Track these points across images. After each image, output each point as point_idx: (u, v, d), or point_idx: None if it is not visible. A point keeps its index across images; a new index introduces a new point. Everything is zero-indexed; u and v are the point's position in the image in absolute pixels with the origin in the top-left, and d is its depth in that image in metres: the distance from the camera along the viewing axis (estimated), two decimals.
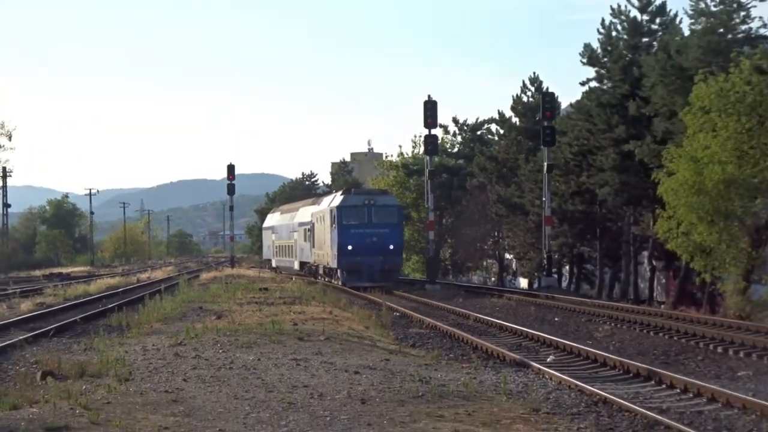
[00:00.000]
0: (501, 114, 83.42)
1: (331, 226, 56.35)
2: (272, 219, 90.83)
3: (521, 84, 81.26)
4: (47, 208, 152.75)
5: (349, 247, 53.78)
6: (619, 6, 59.35)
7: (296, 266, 73.52)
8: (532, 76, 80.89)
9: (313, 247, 65.31)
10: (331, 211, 56.81)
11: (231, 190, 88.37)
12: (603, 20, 60.21)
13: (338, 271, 55.86)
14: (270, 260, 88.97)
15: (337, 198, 58.69)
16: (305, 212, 70.93)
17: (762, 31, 47.70)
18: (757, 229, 41.29)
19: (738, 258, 40.55)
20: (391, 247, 55.08)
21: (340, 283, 55.03)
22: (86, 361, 19.85)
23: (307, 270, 69.44)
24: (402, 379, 18.03)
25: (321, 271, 63.98)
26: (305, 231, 68.58)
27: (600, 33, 60.84)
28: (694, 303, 40.65)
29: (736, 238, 40.22)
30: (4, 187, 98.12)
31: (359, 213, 54.99)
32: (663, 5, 58.72)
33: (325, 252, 59.83)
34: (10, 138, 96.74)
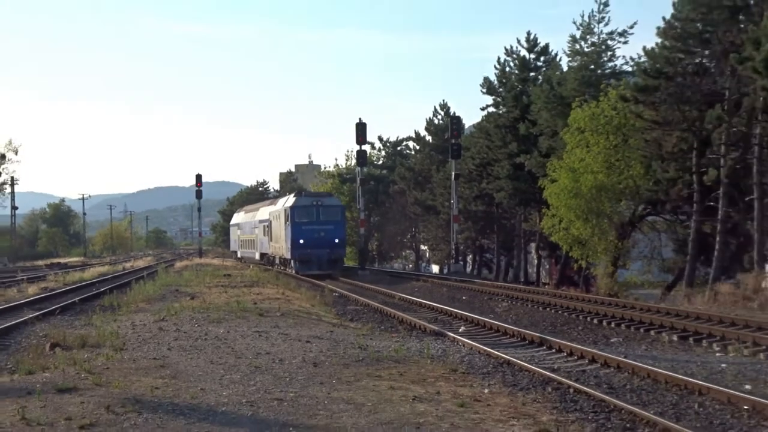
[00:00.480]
0: (417, 133, 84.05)
1: (286, 223, 55.02)
2: (237, 217, 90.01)
3: (433, 109, 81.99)
4: (47, 210, 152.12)
5: (301, 241, 52.61)
6: (511, 47, 60.25)
7: (257, 257, 72.04)
8: (442, 102, 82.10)
9: (271, 240, 63.77)
10: (286, 210, 55.53)
11: (199, 195, 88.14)
12: (498, 58, 61.02)
13: (292, 261, 54.57)
14: (236, 252, 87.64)
15: (290, 199, 57.34)
16: (264, 211, 69.03)
17: (625, 67, 48.28)
18: (622, 224, 41.89)
19: (607, 248, 41.03)
20: (336, 240, 54.07)
21: (293, 271, 53.70)
22: (86, 335, 19.72)
23: (266, 260, 67.89)
24: (345, 347, 18.06)
25: (277, 261, 62.41)
26: (264, 227, 66.92)
27: (496, 68, 61.37)
28: (572, 284, 41.01)
29: (605, 232, 40.70)
30: (12, 192, 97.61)
31: (309, 212, 53.53)
32: (546, 46, 59.49)
33: (281, 245, 58.36)
34: (16, 152, 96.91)
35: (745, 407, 13.05)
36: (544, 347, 20.23)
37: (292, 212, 53.76)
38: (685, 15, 37.07)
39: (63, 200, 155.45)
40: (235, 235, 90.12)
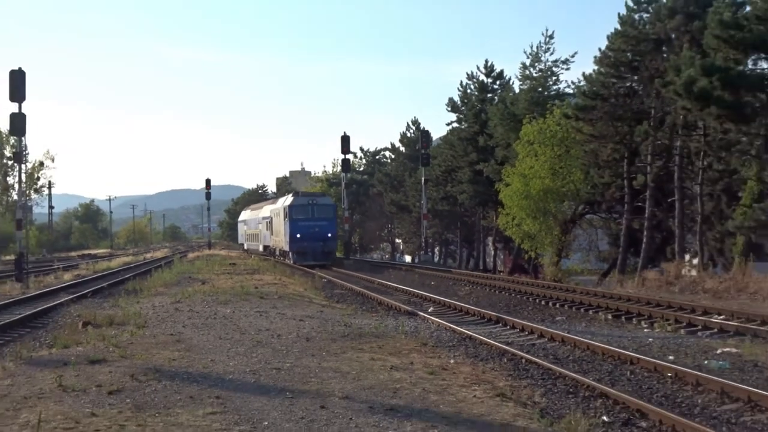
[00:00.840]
0: (392, 144, 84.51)
1: (285, 219, 53.72)
2: (244, 215, 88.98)
3: (406, 124, 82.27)
4: (79, 209, 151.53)
5: (298, 235, 51.38)
6: (472, 72, 60.92)
7: (261, 249, 69.85)
8: (413, 119, 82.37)
9: (272, 234, 62.37)
10: (285, 208, 54.13)
11: (208, 196, 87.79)
12: (461, 81, 61.77)
13: (290, 252, 53.13)
14: (243, 244, 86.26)
15: (289, 199, 55.91)
16: (266, 209, 68.08)
17: (567, 89, 48.63)
18: (564, 221, 42.05)
19: (552, 241, 41.23)
20: (329, 235, 52.51)
21: (291, 262, 52.04)
22: (114, 314, 19.60)
23: (268, 251, 65.57)
24: (332, 324, 18.01)
25: (277, 252, 60.36)
26: (267, 223, 65.40)
27: (459, 90, 62.12)
28: (523, 271, 41.13)
29: (551, 228, 40.88)
30: (50, 194, 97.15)
31: (305, 210, 52.16)
32: (501, 72, 60.10)
33: (281, 239, 56.84)
34: (53, 160, 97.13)
35: (669, 374, 13.15)
36: (500, 324, 20.26)
37: (290, 210, 52.56)
38: (618, 46, 37.29)
39: (92, 201, 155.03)
40: (242, 230, 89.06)
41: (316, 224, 51.66)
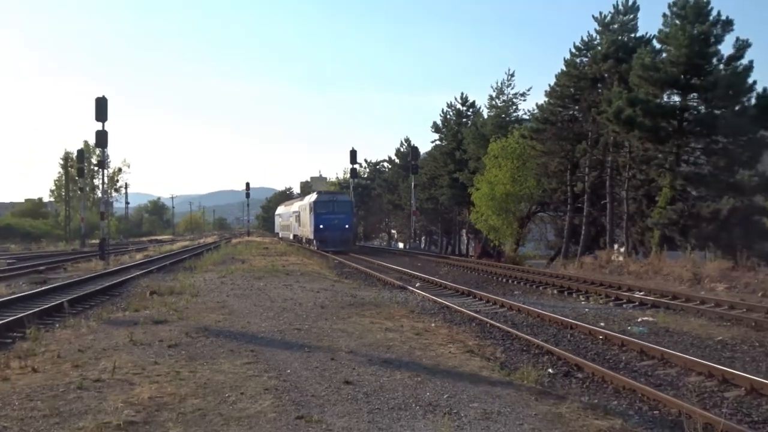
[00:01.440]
0: (389, 157, 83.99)
1: (310, 213, 51.15)
2: (279, 209, 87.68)
3: (400, 141, 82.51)
4: (149, 204, 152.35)
5: (321, 226, 48.71)
6: (450, 102, 60.99)
7: (291, 237, 66.88)
8: (405, 137, 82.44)
9: (299, 225, 59.82)
10: (310, 204, 51.47)
11: (247, 195, 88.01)
12: (442, 109, 61.66)
13: (314, 240, 50.44)
14: (278, 233, 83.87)
15: (313, 196, 53.28)
16: (296, 205, 65.76)
17: (524, 116, 48.63)
18: (521, 218, 42.04)
19: (512, 233, 41.21)
20: (346, 226, 49.64)
21: (315, 248, 49.13)
22: (173, 286, 19.57)
23: (296, 239, 62.82)
24: (341, 295, 17.96)
25: (303, 240, 57.70)
26: (296, 216, 62.74)
27: (440, 115, 61.90)
28: (489, 256, 40.99)
29: (511, 222, 40.82)
30: (126, 193, 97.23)
31: (327, 205, 49.38)
32: (473, 102, 60.09)
33: (306, 229, 54.26)
34: (129, 167, 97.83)
35: (600, 337, 13.14)
36: (471, 297, 20.18)
37: (315, 205, 49.99)
38: (563, 83, 37.30)
39: (159, 198, 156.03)
40: (277, 222, 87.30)
41: (336, 217, 48.97)
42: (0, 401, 7.34)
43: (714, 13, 29.14)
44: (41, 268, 30.52)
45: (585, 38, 37.41)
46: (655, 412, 8.32)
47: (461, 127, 56.51)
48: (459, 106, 60.22)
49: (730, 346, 12.44)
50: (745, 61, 28.75)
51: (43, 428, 6.43)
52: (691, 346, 12.46)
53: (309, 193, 62.56)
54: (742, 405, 8.72)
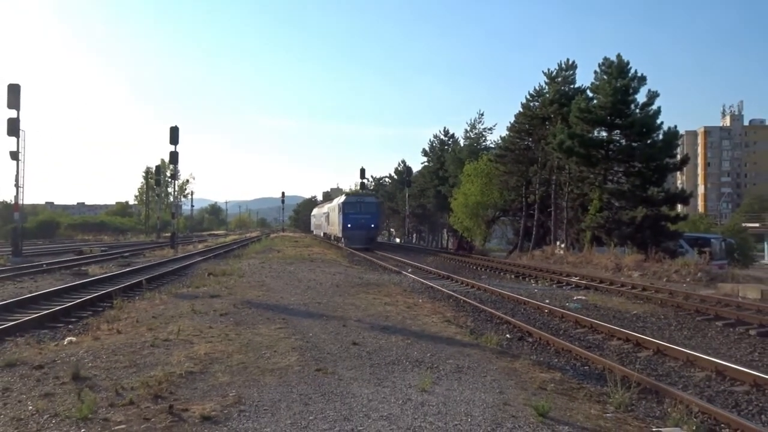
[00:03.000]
0: (390, 174, 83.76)
1: (339, 213, 43.96)
2: (314, 211, 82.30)
3: (398, 162, 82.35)
4: (208, 207, 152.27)
5: (349, 225, 41.66)
6: (436, 135, 61.21)
7: (322, 234, 60.45)
8: (402, 160, 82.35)
9: (329, 224, 52.68)
10: (339, 205, 44.49)
11: (283, 202, 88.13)
12: (429, 139, 61.31)
13: (342, 238, 43.03)
14: (312, 231, 78.43)
15: (342, 198, 46.62)
16: (325, 207, 59.62)
17: (491, 145, 48.55)
18: (488, 221, 41.84)
19: (481, 232, 41.13)
20: (372, 225, 42.27)
21: (343, 245, 41.76)
22: (225, 269, 19.52)
23: (326, 237, 55.88)
24: (352, 277, 17.88)
25: (332, 238, 50.47)
26: (326, 216, 55.79)
27: (428, 143, 61.58)
28: (464, 249, 40.94)
29: (480, 224, 40.77)
30: (192, 198, 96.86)
31: (355, 206, 42.19)
32: (453, 134, 59.75)
33: (335, 227, 46.77)
34: (194, 178, 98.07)
35: (546, 311, 13.09)
36: (449, 280, 20.13)
37: (343, 206, 42.89)
38: (520, 120, 37.26)
39: (216, 203, 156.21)
40: (312, 221, 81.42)
41: (363, 217, 41.75)
42: (92, 355, 7.29)
43: (632, 71, 29.25)
44: (126, 254, 30.49)
45: (537, 88, 37.41)
46: (585, 367, 8.27)
47: (444, 153, 56.35)
48: (442, 136, 60.15)
49: (642, 318, 12.39)
50: (654, 107, 28.89)
51: (123, 376, 6.38)
52: (614, 318, 12.40)
53: (338, 197, 53.81)
54: (651, 362, 8.67)
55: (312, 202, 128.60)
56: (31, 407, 5.36)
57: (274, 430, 4.81)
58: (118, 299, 11.79)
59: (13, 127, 24.43)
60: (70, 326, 10.35)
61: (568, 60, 35.85)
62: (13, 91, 24.32)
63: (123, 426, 4.88)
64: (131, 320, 9.73)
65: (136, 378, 6.22)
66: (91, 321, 10.34)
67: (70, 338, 8.57)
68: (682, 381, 7.73)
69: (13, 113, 24.45)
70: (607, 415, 5.61)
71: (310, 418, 5.09)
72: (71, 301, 12.55)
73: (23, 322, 10.00)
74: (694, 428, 5.27)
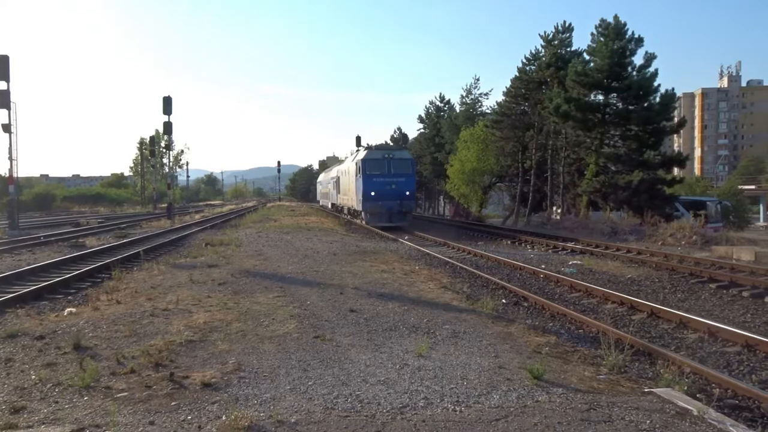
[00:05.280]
0: (387, 142, 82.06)
1: (356, 176, 30.56)
2: (320, 177, 66.99)
3: (393, 129, 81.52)
4: (204, 177, 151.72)
5: (372, 193, 28.76)
6: (431, 101, 60.16)
7: (330, 206, 47.32)
8: (398, 126, 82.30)
9: (338, 193, 39.53)
10: (357, 164, 30.61)
11: (279, 171, 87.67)
12: (425, 105, 61.05)
13: (363, 213, 29.80)
14: (318, 202, 63.36)
15: (361, 153, 31.28)
16: (334, 170, 44.98)
17: (487, 111, 48.08)
18: (484, 187, 41.84)
19: (477, 198, 41.15)
20: (407, 193, 28.95)
21: (364, 222, 29.49)
22: (222, 238, 19.49)
23: (335, 210, 42.64)
24: (349, 246, 17.89)
25: (345, 212, 36.95)
26: (334, 182, 42.39)
27: (424, 110, 61.03)
28: (460, 216, 41.02)
29: (476, 191, 40.78)
30: (187, 169, 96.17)
31: (380, 164, 29.06)
32: (449, 100, 59.10)
33: (350, 197, 33.25)
34: (189, 149, 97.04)
35: (541, 276, 13.19)
36: (446, 246, 20.15)
37: (363, 165, 29.28)
38: (516, 85, 36.93)
39: (212, 173, 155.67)
40: (318, 189, 66.32)
41: (393, 180, 28.78)
42: (92, 325, 7.36)
43: (629, 33, 28.85)
44: (123, 225, 30.45)
45: (533, 51, 36.96)
46: (580, 330, 8.38)
47: (440, 119, 55.97)
48: (438, 103, 59.58)
49: (637, 282, 12.51)
50: (651, 69, 28.58)
51: (124, 345, 6.46)
52: (608, 282, 12.52)
53: (355, 152, 34.72)
54: (644, 325, 8.79)
55: (308, 171, 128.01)
56: (34, 377, 5.44)
57: (274, 395, 4.90)
58: (117, 270, 11.83)
59: (4, 100, 24.11)
60: (69, 297, 10.41)
61: (564, 22, 35.37)
62: (2, 63, 23.91)
63: (125, 393, 4.97)
64: (130, 291, 9.79)
65: (137, 347, 6.29)
66: (90, 292, 10.40)
67: (69, 309, 8.64)
68: (675, 343, 7.86)
69: (2, 85, 24.10)
70: (600, 376, 5.71)
71: (309, 383, 5.18)
72: (70, 273, 12.59)
73: (23, 294, 10.05)
74: (685, 388, 5.38)
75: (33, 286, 11.01)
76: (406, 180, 28.75)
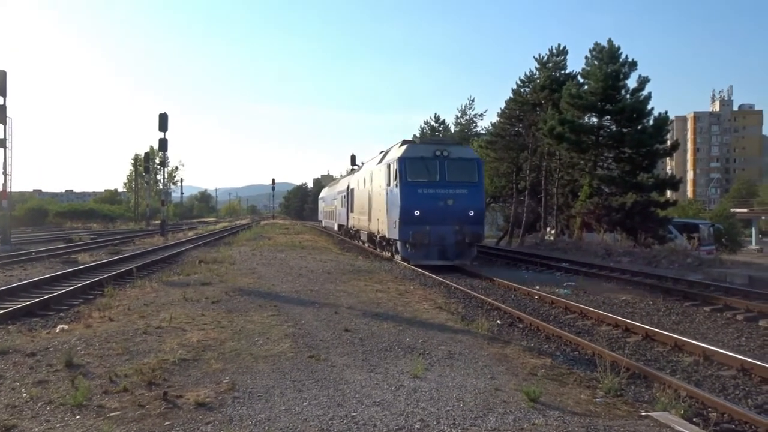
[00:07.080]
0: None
1: (387, 184, 19.02)
2: (322, 193, 54.67)
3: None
4: (198, 194, 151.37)
5: (416, 212, 17.65)
6: (427, 121, 60.12)
7: (336, 227, 37.30)
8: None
9: (351, 211, 28.47)
10: (389, 166, 18.81)
11: (273, 189, 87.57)
12: (421, 126, 61.00)
13: (398, 243, 18.87)
14: (321, 221, 52.97)
15: (399, 149, 18.93)
16: (344, 181, 35.19)
17: (482, 131, 48.49)
18: None
19: None
20: (471, 213, 17.80)
21: (398, 258, 19.41)
22: (216, 256, 19.41)
23: (344, 233, 33.07)
24: (343, 265, 17.80)
25: (363, 239, 26.32)
26: (343, 198, 32.72)
27: (419, 130, 61.24)
28: None
29: None
30: (181, 185, 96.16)
31: (431, 165, 17.68)
32: (444, 120, 59.64)
33: (374, 218, 22.29)
34: (183, 165, 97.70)
35: (536, 297, 13.19)
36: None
37: (401, 167, 17.80)
38: (511, 107, 37.27)
39: (206, 190, 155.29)
40: (319, 206, 57.49)
41: (449, 193, 17.81)
42: (84, 343, 7.29)
43: (623, 56, 29.27)
44: (116, 242, 30.31)
45: (527, 73, 37.46)
46: (575, 352, 8.36)
47: (439, 134, 56.50)
48: (433, 123, 60.07)
49: (632, 304, 12.52)
50: (645, 92, 28.98)
51: (117, 363, 6.39)
52: (603, 303, 12.52)
53: (391, 149, 21.59)
54: (640, 347, 8.78)
55: (302, 189, 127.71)
56: (25, 394, 5.36)
57: (269, 416, 4.86)
58: (110, 287, 11.76)
59: (0, 115, 24.11)
60: (61, 314, 10.31)
61: (559, 45, 35.91)
62: None
63: (118, 413, 4.90)
64: (123, 308, 9.72)
65: (130, 365, 6.23)
66: (83, 309, 10.31)
67: (62, 326, 8.56)
68: (671, 366, 7.84)
69: None
70: (597, 399, 5.69)
71: (304, 404, 5.13)
72: (62, 289, 12.49)
73: (14, 310, 9.95)
74: (682, 412, 5.37)
75: (25, 302, 10.90)
76: (470, 192, 18.15)
